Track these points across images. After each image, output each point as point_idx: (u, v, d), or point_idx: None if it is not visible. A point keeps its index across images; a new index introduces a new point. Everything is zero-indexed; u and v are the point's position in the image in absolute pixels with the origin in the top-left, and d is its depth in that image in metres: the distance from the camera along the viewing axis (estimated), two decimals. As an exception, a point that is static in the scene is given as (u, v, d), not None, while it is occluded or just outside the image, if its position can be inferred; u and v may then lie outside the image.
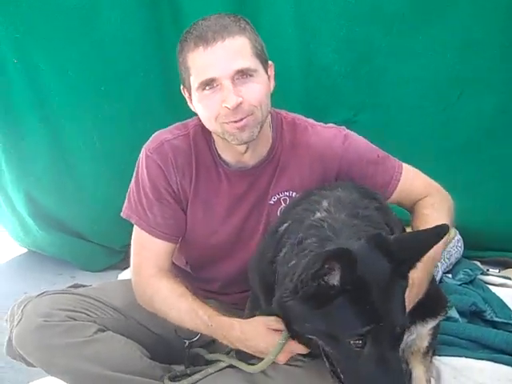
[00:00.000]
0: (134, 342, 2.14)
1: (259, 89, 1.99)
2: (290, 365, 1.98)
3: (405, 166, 2.25)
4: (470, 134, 3.20)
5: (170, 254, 2.25)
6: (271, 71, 2.11)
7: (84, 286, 2.32)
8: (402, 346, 2.29)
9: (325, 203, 1.86)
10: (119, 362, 2.04)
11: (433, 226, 1.84)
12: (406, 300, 1.70)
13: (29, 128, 3.35)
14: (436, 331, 2.29)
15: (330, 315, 1.57)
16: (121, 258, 3.69)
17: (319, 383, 1.99)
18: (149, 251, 2.19)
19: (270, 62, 2.10)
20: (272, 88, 2.11)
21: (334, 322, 1.57)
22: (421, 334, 2.25)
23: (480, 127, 3.19)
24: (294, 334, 1.79)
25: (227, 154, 2.18)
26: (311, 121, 2.27)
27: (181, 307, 2.06)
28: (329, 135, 2.21)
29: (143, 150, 2.21)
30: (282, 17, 3.06)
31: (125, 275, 3.30)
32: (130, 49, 3.17)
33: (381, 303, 1.55)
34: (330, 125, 2.27)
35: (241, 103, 1.94)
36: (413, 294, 1.88)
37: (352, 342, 1.56)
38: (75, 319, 2.05)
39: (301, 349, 1.86)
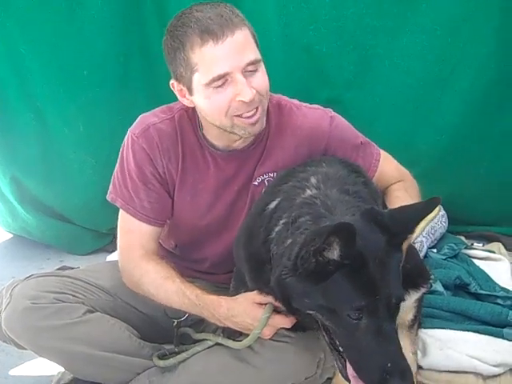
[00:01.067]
0: (123, 322, 2.16)
1: (265, 78, 2.02)
2: (277, 341, 2.01)
3: (382, 153, 2.30)
4: (462, 111, 3.19)
5: (157, 236, 2.25)
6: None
7: (72, 268, 2.35)
8: None
9: (313, 180, 1.88)
10: (108, 342, 2.06)
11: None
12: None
13: (14, 113, 3.33)
14: (420, 304, 2.31)
15: (328, 290, 1.60)
16: (108, 241, 3.68)
17: (306, 358, 2.04)
18: (135, 235, 2.19)
19: None
20: None
21: (332, 296, 1.60)
22: (405, 306, 2.28)
23: (471, 104, 3.18)
24: (292, 311, 1.81)
25: (218, 141, 2.18)
26: (296, 102, 2.27)
27: (168, 288, 2.08)
28: (315, 116, 2.22)
29: (128, 133, 2.19)
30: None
31: (113, 258, 3.27)
32: (112, 34, 3.14)
33: (378, 276, 1.58)
34: (316, 106, 2.28)
35: (254, 95, 1.95)
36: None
37: (350, 315, 1.59)
38: (63, 301, 2.06)
39: (285, 322, 1.90)
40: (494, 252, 3.28)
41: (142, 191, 2.17)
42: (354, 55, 3.09)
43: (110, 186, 2.26)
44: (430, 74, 3.10)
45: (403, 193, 2.22)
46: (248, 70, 1.94)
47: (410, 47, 3.04)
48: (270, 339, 2.00)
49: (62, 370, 2.35)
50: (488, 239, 3.50)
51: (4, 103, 3.32)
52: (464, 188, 3.35)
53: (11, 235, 4.06)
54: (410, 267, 2.08)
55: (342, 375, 1.72)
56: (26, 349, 2.11)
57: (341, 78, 3.09)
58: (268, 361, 2.00)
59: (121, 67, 3.22)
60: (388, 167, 2.30)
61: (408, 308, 2.28)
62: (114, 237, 3.47)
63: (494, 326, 2.53)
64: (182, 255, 2.42)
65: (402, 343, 2.28)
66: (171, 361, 2.08)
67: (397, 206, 2.01)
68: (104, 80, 3.24)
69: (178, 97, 2.10)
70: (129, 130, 2.21)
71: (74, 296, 2.10)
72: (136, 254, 2.17)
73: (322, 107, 2.27)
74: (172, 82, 2.08)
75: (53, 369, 2.39)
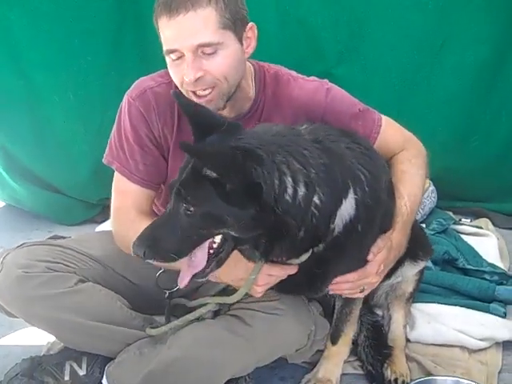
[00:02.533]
0: (114, 292, 2.15)
1: (224, 61, 1.96)
2: (268, 313, 2.03)
3: (384, 118, 2.25)
4: (452, 86, 3.20)
5: (151, 199, 2.26)
6: (252, 32, 2.07)
7: (63, 237, 2.33)
8: (386, 289, 2.40)
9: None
10: (100, 312, 2.06)
11: (409, 182, 2.05)
12: (379, 261, 1.93)
13: (4, 80, 3.31)
14: (420, 277, 2.40)
15: None
16: (98, 212, 3.69)
17: (297, 330, 2.06)
18: (129, 196, 2.20)
19: (249, 24, 2.05)
20: (251, 51, 2.08)
21: None
22: (407, 278, 2.35)
23: (462, 80, 3.19)
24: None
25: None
26: (294, 73, 2.25)
27: None
28: (311, 88, 2.20)
29: (126, 96, 2.19)
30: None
31: (102, 228, 3.30)
32: (105, 1, 3.11)
33: None
34: (313, 78, 2.26)
35: (201, 77, 1.94)
36: (392, 256, 2.02)
37: None
38: (55, 270, 2.05)
39: (278, 270, 1.89)
40: (481, 228, 3.33)
41: (137, 153, 2.18)
42: (346, 28, 3.09)
43: (107, 149, 2.26)
44: (421, 48, 3.12)
45: (408, 165, 2.18)
46: (203, 52, 1.92)
47: (402, 21, 3.05)
48: (261, 312, 2.02)
49: (53, 339, 2.36)
50: (476, 215, 3.55)
51: (-7, 71, 3.29)
52: (453, 164, 3.37)
53: (1, 204, 4.04)
54: (410, 239, 2.15)
55: None
56: (16, 317, 2.11)
57: (334, 51, 3.10)
58: (259, 333, 2.01)
59: (113, 36, 3.20)
60: (391, 133, 2.24)
61: (410, 279, 2.36)
62: (104, 207, 3.51)
63: (481, 301, 2.58)
64: None
65: (396, 315, 2.40)
66: (163, 328, 2.08)
67: (403, 181, 2.11)
68: (96, 49, 3.21)
69: None
70: (126, 93, 2.20)
71: (66, 265, 2.09)
72: (130, 215, 2.16)
73: (318, 79, 2.25)
74: None
75: (43, 338, 2.40)
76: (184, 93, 2.02)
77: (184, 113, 1.88)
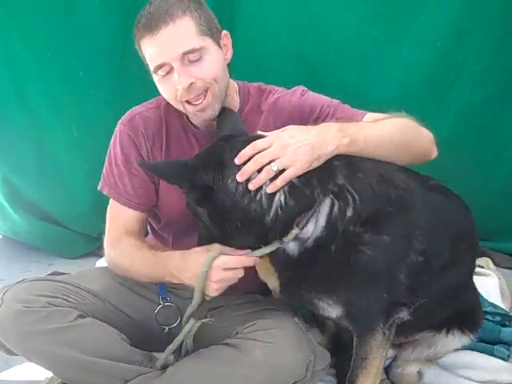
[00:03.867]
0: (114, 328, 2.14)
1: (210, 65, 2.06)
2: (266, 342, 2.01)
3: (370, 113, 2.26)
4: (457, 125, 3.19)
5: (141, 221, 2.31)
6: (227, 39, 2.18)
7: (63, 273, 2.32)
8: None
9: None
10: (100, 348, 2.04)
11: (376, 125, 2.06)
12: (283, 132, 1.91)
13: (7, 113, 3.31)
14: None
15: None
16: (98, 245, 3.65)
17: (295, 359, 2.02)
18: (120, 220, 2.27)
19: (223, 32, 2.16)
20: (229, 57, 2.18)
21: None
22: (446, 350, 2.31)
23: (467, 119, 3.19)
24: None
25: (197, 122, 2.25)
26: (278, 87, 2.36)
27: (139, 257, 2.15)
28: (289, 92, 2.31)
29: (118, 124, 2.30)
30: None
31: (102, 262, 3.28)
32: (108, 35, 3.13)
33: None
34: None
35: (192, 83, 2.02)
36: (309, 132, 1.89)
37: None
38: (55, 305, 2.04)
39: (232, 260, 1.92)
40: (482, 267, 3.29)
41: (126, 177, 2.26)
42: (352, 66, 3.08)
43: (101, 178, 2.35)
44: (430, 87, 3.10)
45: (385, 119, 2.13)
46: (189, 59, 2.02)
47: (410, 58, 3.03)
48: (259, 341, 2.01)
49: (50, 375, 2.33)
50: (477, 254, 3.52)
51: (-3, 103, 3.31)
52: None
53: (0, 236, 4.03)
54: (462, 304, 2.17)
55: None
56: (15, 354, 2.09)
57: (339, 89, 3.07)
58: (258, 362, 1.98)
59: (117, 70, 3.21)
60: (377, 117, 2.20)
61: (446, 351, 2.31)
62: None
63: (485, 342, 2.54)
64: (174, 243, 2.41)
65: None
66: (162, 356, 2.10)
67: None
68: (99, 82, 3.23)
69: None
70: (118, 122, 2.31)
71: (66, 300, 2.08)
72: (118, 233, 2.24)
73: (299, 85, 2.35)
74: None
75: (40, 374, 2.37)
76: (179, 107, 2.13)
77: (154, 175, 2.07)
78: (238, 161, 1.83)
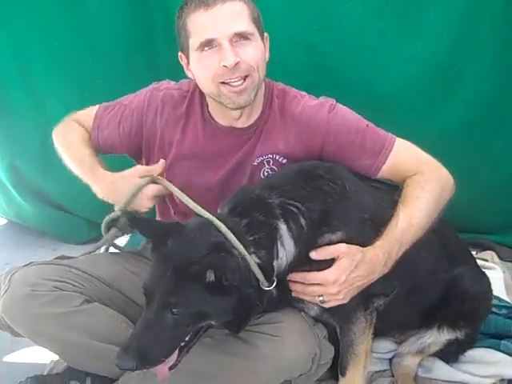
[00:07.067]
0: (120, 313, 2.15)
1: (256, 52, 2.09)
2: (273, 335, 2.01)
3: (399, 139, 2.22)
4: (463, 119, 3.17)
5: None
6: (267, 42, 2.20)
7: (70, 257, 2.33)
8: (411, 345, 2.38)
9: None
10: (105, 333, 2.06)
11: (411, 204, 2.00)
12: (339, 269, 1.88)
13: (14, 100, 3.35)
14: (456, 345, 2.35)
15: None
16: (103, 231, 3.68)
17: (301, 353, 2.02)
18: (83, 120, 2.45)
19: (265, 34, 2.19)
20: (267, 59, 2.19)
21: None
22: (437, 342, 2.32)
23: (473, 113, 3.15)
24: None
25: (219, 117, 2.27)
26: (303, 93, 2.32)
27: (79, 151, 2.31)
28: (315, 104, 2.26)
29: (152, 84, 2.41)
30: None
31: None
32: (117, 25, 3.13)
33: None
34: (322, 97, 2.30)
35: (238, 63, 2.03)
36: (361, 270, 1.92)
37: None
38: (62, 289, 2.05)
39: (159, 189, 2.04)
40: (487, 260, 3.29)
41: (114, 118, 2.38)
42: (360, 57, 3.05)
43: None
44: (436, 79, 3.07)
45: (415, 188, 2.09)
46: (238, 41, 2.05)
47: (417, 51, 3.00)
48: (266, 334, 2.00)
49: (56, 358, 2.36)
50: (481, 247, 3.52)
51: (4, 90, 3.33)
52: (459, 196, 3.33)
53: (5, 221, 4.05)
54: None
55: None
56: (22, 336, 2.10)
57: (345, 80, 3.08)
58: (264, 355, 1.99)
59: (124, 59, 3.21)
60: (405, 155, 2.19)
61: (438, 343, 2.32)
62: (109, 228, 3.50)
63: (493, 338, 2.54)
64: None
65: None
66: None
67: (405, 202, 2.04)
68: (107, 71, 3.23)
69: (185, 70, 2.24)
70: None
71: (72, 285, 2.10)
72: (74, 118, 2.45)
73: (326, 98, 2.29)
74: (180, 53, 2.23)
75: (46, 357, 2.40)
76: (212, 89, 2.11)
77: (139, 231, 2.01)
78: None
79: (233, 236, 1.80)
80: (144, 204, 2.07)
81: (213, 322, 1.83)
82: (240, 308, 1.80)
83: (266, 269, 1.87)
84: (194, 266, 1.72)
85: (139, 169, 2.14)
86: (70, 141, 2.36)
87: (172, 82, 2.39)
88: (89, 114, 2.45)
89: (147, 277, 1.84)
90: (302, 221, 1.92)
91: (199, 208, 1.90)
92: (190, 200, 1.96)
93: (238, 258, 1.77)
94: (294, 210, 1.93)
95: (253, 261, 1.82)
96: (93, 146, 2.39)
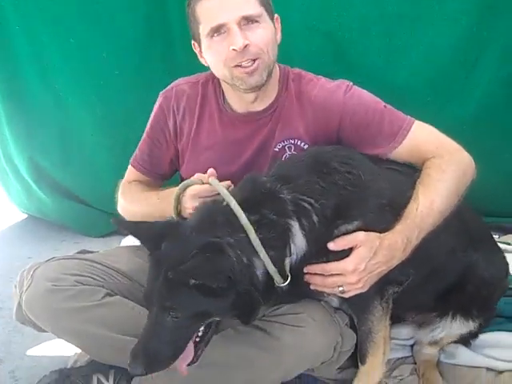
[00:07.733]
0: (141, 306, 2.14)
1: (265, 34, 2.09)
2: (296, 326, 2.00)
3: (418, 122, 2.19)
4: (483, 103, 3.12)
5: (146, 182, 2.45)
6: (278, 24, 2.21)
7: (91, 252, 2.35)
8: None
9: None
10: (127, 326, 2.05)
11: (430, 187, 1.96)
12: (357, 257, 1.84)
13: (33, 94, 3.36)
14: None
15: None
16: (123, 224, 3.70)
17: (323, 342, 2.04)
18: (129, 177, 2.46)
19: (276, 16, 2.20)
20: (279, 40, 2.20)
21: None
22: (451, 335, 2.30)
23: (492, 96, 3.10)
24: None
25: (235, 103, 2.28)
26: (319, 76, 2.31)
27: (143, 198, 2.31)
28: (331, 86, 2.24)
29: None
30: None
31: (128, 241, 3.31)
32: (133, 17, 3.14)
33: None
34: (338, 80, 2.28)
35: (247, 46, 2.03)
36: (380, 257, 1.89)
37: None
38: (83, 284, 2.07)
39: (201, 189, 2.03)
40: (510, 244, 3.26)
41: (146, 144, 2.40)
42: (377, 43, 3.02)
43: None
44: (454, 64, 3.03)
45: (436, 171, 2.04)
46: (246, 24, 2.05)
47: (434, 35, 2.96)
48: (288, 325, 2.00)
49: (78, 351, 2.37)
50: (504, 231, 3.48)
51: (23, 85, 3.35)
52: (482, 179, 3.29)
53: (26, 215, 4.08)
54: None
55: None
56: (44, 331, 2.13)
57: (363, 67, 3.04)
58: (286, 346, 1.98)
59: (141, 51, 3.21)
60: (423, 137, 2.15)
61: (453, 337, 2.31)
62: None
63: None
64: None
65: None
66: None
67: (424, 184, 2.01)
68: (123, 63, 3.23)
69: (198, 57, 2.24)
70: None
71: (94, 279, 2.11)
72: (126, 183, 2.45)
73: (343, 80, 2.27)
74: (192, 42, 2.23)
75: (69, 350, 2.41)
76: (225, 73, 2.12)
77: (130, 234, 1.97)
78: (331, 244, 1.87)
79: (262, 249, 1.79)
80: (187, 205, 2.05)
81: (217, 319, 1.83)
82: (241, 304, 1.77)
83: (279, 268, 1.84)
84: (179, 270, 1.68)
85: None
86: (131, 198, 2.38)
87: (179, 79, 2.39)
88: (129, 171, 2.48)
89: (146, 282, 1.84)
90: (315, 218, 1.87)
91: (240, 212, 1.82)
92: (234, 201, 1.85)
93: (233, 258, 1.72)
94: (307, 206, 1.88)
95: (271, 264, 1.80)
96: (151, 179, 2.46)
